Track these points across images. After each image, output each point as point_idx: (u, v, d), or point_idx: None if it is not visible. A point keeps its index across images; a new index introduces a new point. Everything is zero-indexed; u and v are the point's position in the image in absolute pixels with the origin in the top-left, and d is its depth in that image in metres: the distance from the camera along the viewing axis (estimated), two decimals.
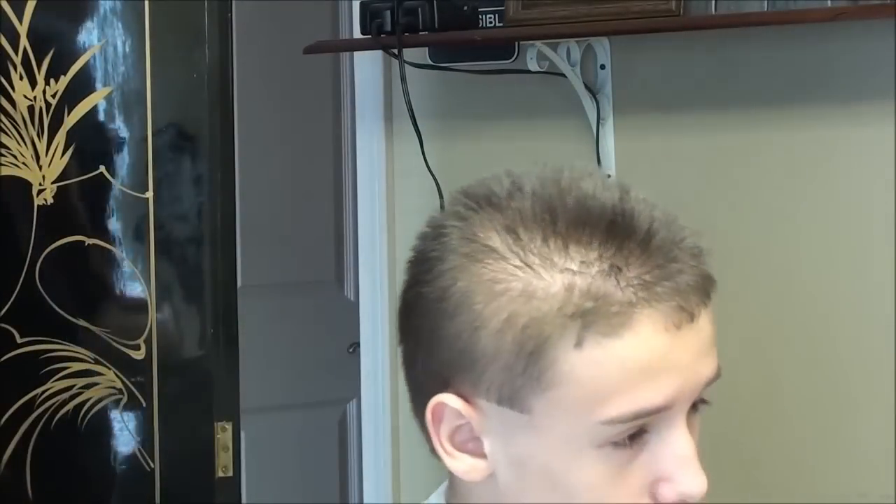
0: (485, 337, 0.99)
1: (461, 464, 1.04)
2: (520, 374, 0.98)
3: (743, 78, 2.37)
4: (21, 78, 2.53)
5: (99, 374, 2.58)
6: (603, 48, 2.50)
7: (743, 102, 2.37)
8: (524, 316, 0.97)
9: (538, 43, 2.52)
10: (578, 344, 0.97)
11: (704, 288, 1.00)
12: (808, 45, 2.29)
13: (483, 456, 1.03)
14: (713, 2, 2.29)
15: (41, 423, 2.57)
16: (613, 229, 0.98)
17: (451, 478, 1.08)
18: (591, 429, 0.98)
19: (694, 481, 1.00)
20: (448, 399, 1.02)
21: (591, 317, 0.96)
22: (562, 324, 0.97)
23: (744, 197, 2.38)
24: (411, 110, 2.57)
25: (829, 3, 2.19)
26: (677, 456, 1.00)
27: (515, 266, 0.98)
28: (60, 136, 2.55)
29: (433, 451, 1.06)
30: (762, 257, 2.37)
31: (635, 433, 0.99)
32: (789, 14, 2.22)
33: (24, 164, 2.54)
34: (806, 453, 2.34)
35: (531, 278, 0.98)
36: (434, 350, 1.02)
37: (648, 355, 0.97)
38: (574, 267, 0.97)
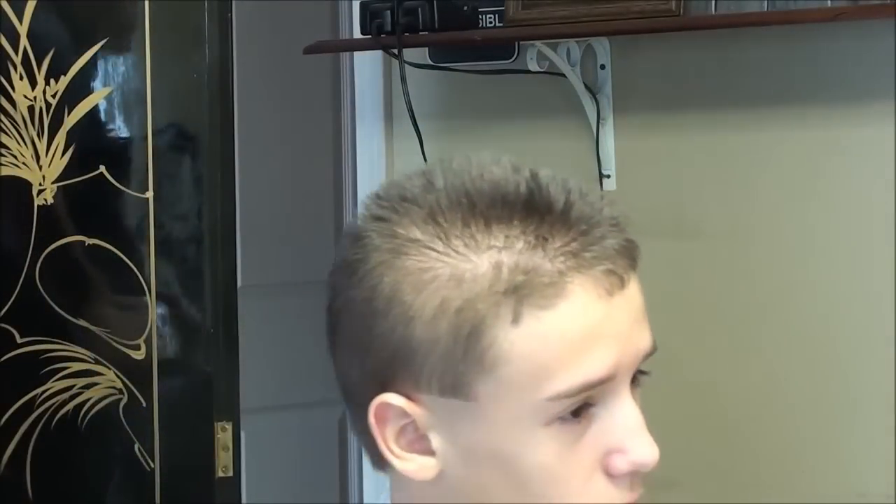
0: (419, 327, 0.98)
1: (411, 464, 1.02)
2: (460, 360, 0.98)
3: (743, 78, 2.37)
4: (21, 78, 2.53)
5: (99, 374, 2.58)
6: (603, 48, 2.50)
7: (743, 102, 2.37)
8: (456, 300, 0.97)
9: (538, 43, 2.52)
10: (515, 320, 0.97)
11: (630, 252, 1.00)
12: (808, 45, 2.29)
13: (432, 453, 1.02)
14: (713, 2, 2.29)
15: (41, 423, 2.57)
16: (532, 204, 0.98)
17: (396, 478, 1.06)
18: (538, 406, 0.98)
19: (646, 449, 1.00)
20: (390, 398, 1.01)
21: (524, 290, 0.96)
22: (495, 301, 0.97)
23: (743, 197, 2.38)
24: (411, 110, 2.57)
25: (829, 3, 2.20)
26: (626, 426, 1.00)
27: (440, 252, 0.98)
28: (60, 136, 2.54)
29: (376, 463, 1.05)
30: (761, 257, 2.37)
31: (581, 407, 0.99)
32: (789, 14, 2.22)
33: (24, 164, 2.54)
34: (806, 453, 2.34)
35: (458, 262, 0.98)
36: (370, 352, 1.01)
37: (585, 324, 0.97)
38: (499, 244, 0.97)
